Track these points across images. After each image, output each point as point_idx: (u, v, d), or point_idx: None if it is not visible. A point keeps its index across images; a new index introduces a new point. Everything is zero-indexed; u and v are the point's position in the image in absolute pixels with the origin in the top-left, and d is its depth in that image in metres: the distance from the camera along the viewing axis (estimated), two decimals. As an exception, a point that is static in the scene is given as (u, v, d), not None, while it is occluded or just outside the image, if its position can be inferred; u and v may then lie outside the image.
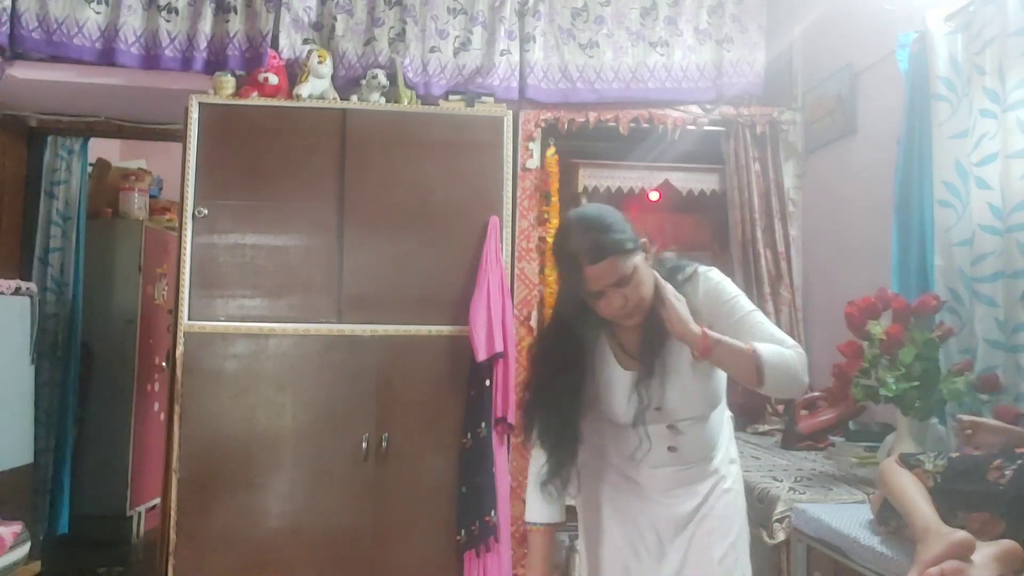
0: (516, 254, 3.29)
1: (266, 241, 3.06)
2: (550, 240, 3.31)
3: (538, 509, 1.70)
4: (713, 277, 1.65)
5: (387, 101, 3.20)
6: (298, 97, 3.12)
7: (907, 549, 1.59)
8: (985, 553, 1.44)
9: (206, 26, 3.28)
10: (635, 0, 3.53)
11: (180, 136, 3.08)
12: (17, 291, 3.47)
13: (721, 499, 1.69)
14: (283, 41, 3.31)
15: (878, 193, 2.85)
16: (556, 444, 1.65)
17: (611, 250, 1.49)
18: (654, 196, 3.76)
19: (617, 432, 1.69)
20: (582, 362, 1.65)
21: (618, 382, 1.65)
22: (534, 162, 3.38)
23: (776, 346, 1.54)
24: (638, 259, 1.53)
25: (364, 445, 3.00)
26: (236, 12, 3.31)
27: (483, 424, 2.98)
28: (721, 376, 1.67)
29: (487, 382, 2.99)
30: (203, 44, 3.27)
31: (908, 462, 1.68)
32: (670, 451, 1.66)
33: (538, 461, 1.70)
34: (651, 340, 1.60)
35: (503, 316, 3.03)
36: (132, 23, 3.26)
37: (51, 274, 4.04)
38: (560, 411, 1.64)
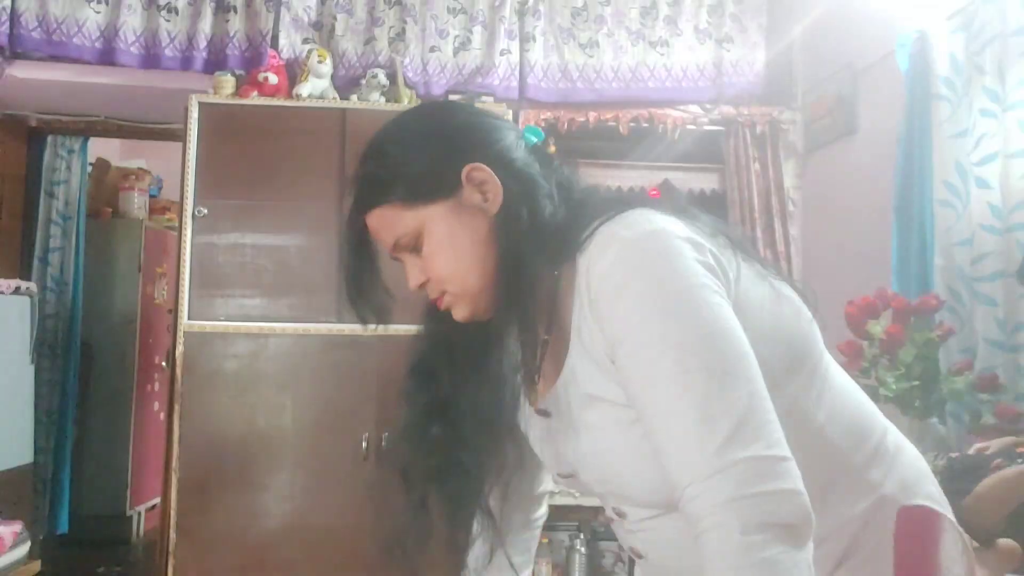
0: (516, 254, 3.29)
1: (266, 241, 3.05)
2: (550, 240, 3.31)
3: None
4: (618, 251, 0.83)
5: (387, 101, 3.20)
6: (298, 97, 3.12)
7: (907, 549, 1.59)
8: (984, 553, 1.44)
9: (206, 26, 3.28)
10: (635, 0, 3.53)
11: (180, 136, 3.07)
12: (17, 291, 3.47)
13: None
14: (283, 41, 3.30)
15: (878, 193, 2.85)
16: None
17: (378, 196, 0.92)
18: (654, 196, 3.77)
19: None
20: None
21: (531, 427, 1.05)
22: (534, 162, 3.38)
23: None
24: (441, 209, 0.91)
25: (364, 445, 3.00)
26: (236, 12, 3.31)
27: (483, 424, 2.98)
28: None
29: (487, 382, 2.99)
30: (203, 44, 3.27)
31: (908, 462, 1.67)
32: (637, 557, 0.98)
33: None
34: (529, 348, 0.97)
35: (503, 316, 3.02)
36: (132, 23, 3.26)
37: (51, 274, 4.04)
38: None
